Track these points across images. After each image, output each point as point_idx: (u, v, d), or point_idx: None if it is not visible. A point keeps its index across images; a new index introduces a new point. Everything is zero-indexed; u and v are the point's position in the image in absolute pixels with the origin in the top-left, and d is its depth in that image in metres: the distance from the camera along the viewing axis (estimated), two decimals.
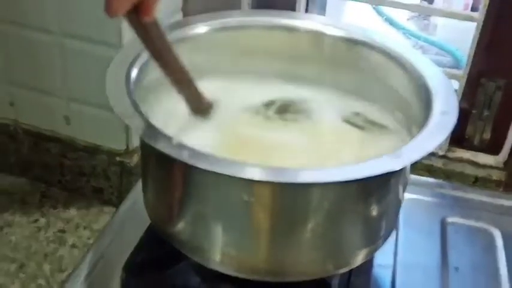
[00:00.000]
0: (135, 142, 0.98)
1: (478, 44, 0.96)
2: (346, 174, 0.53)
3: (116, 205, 0.99)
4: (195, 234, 0.60)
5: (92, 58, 0.93)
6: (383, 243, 0.64)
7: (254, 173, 0.52)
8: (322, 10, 1.11)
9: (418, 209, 0.81)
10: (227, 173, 0.51)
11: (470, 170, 1.03)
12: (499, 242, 0.77)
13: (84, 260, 0.69)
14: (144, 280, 0.65)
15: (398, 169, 0.55)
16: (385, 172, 0.54)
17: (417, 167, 1.01)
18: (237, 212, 0.57)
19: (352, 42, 0.73)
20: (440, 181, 0.97)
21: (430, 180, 0.91)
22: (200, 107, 0.66)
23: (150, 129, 0.55)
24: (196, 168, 0.51)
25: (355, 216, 0.59)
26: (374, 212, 0.59)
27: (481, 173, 1.03)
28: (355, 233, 0.60)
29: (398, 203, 0.64)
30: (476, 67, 0.99)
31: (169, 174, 0.60)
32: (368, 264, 0.67)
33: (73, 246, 0.95)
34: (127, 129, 0.97)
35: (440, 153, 1.05)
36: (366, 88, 0.73)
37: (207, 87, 0.66)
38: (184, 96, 0.65)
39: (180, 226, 0.60)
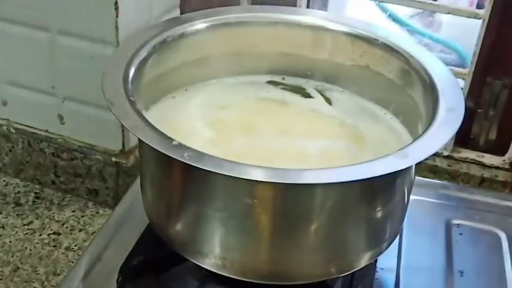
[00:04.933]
0: (132, 142, 0.97)
1: (483, 41, 0.95)
2: (351, 174, 0.52)
3: (112, 207, 0.99)
4: (196, 236, 0.59)
5: (86, 56, 0.92)
6: (387, 246, 0.63)
7: (257, 174, 0.51)
8: (323, 6, 1.11)
9: (422, 211, 0.80)
10: (230, 174, 0.51)
11: (475, 171, 1.03)
12: (505, 244, 0.76)
13: (80, 263, 0.69)
14: (141, 283, 0.65)
15: (405, 168, 0.54)
16: (391, 172, 0.53)
17: (421, 167, 1.00)
18: (239, 213, 0.56)
19: (355, 38, 0.72)
20: (444, 182, 0.97)
21: (435, 181, 0.91)
22: None
23: (150, 130, 0.54)
24: (198, 169, 0.51)
25: (359, 218, 0.58)
26: (379, 214, 0.59)
27: (486, 173, 1.02)
28: (359, 236, 0.59)
29: (403, 205, 0.63)
30: (482, 65, 0.98)
31: (170, 175, 0.59)
32: (371, 267, 0.66)
33: (68, 248, 0.94)
34: (123, 128, 0.96)
35: (445, 153, 1.04)
36: (370, 84, 0.72)
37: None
38: None
39: (181, 228, 0.60)
